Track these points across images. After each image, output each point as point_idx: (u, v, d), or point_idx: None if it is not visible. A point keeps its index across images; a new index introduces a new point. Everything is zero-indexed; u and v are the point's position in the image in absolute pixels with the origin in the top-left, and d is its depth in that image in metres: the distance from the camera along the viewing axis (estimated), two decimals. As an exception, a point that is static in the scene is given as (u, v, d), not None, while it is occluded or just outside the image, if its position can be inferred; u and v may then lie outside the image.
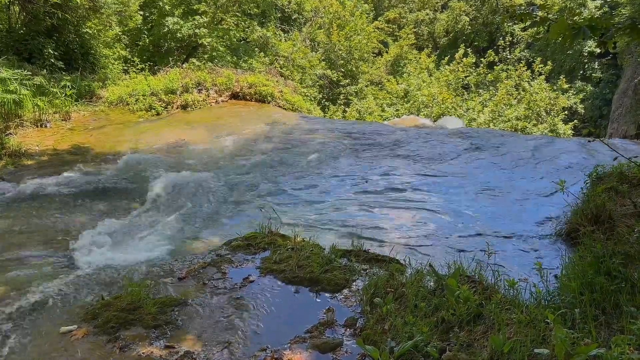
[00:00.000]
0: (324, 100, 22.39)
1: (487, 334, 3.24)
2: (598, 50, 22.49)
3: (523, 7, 26.80)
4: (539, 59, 22.41)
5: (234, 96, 15.32)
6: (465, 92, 22.03)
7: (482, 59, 22.46)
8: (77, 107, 12.74)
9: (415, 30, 29.23)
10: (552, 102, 20.02)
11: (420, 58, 25.45)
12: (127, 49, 18.35)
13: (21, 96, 10.81)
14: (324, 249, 5.18)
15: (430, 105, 20.07)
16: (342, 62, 23.51)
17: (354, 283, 4.52)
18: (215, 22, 19.58)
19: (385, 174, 8.97)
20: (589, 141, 9.38)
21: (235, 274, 4.83)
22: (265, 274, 4.77)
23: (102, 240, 6.03)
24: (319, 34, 24.20)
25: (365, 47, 24.45)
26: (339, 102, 22.59)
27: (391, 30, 30.13)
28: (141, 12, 18.57)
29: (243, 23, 20.77)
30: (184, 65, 16.72)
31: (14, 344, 3.81)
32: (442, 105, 19.77)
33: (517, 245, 5.74)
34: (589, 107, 23.20)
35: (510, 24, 28.15)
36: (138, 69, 16.88)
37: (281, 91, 16.03)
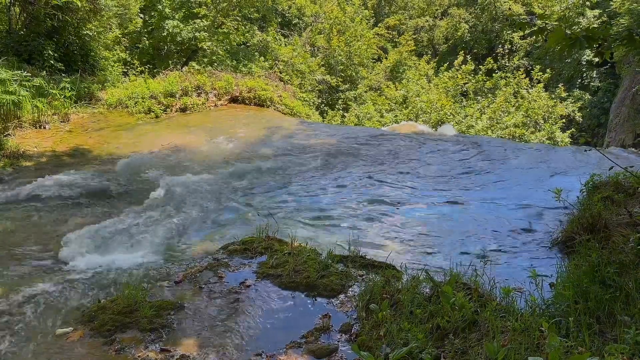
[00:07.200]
0: (322, 105, 22.42)
1: (482, 341, 3.25)
2: (597, 59, 22.59)
3: (522, 16, 26.96)
4: (537, 67, 22.49)
5: (233, 100, 15.37)
6: (464, 99, 22.09)
7: (480, 66, 22.53)
8: (76, 109, 12.74)
9: (414, 36, 29.36)
10: (550, 110, 20.09)
11: (419, 64, 25.53)
12: (127, 52, 18.40)
13: (20, 97, 10.82)
14: (321, 254, 5.18)
15: (429, 111, 20.12)
16: (341, 67, 23.57)
17: (350, 289, 4.53)
18: (215, 26, 19.65)
19: (383, 180, 8.99)
20: (586, 150, 9.40)
21: (232, 278, 4.84)
22: (262, 279, 4.77)
23: (98, 242, 6.03)
24: (319, 39, 24.26)
25: (364, 52, 24.52)
26: (337, 107, 22.62)
27: (391, 36, 30.26)
28: (141, 15, 18.62)
29: (243, 27, 20.83)
30: (183, 69, 16.76)
31: (9, 345, 3.81)
32: (440, 112, 19.83)
33: (513, 253, 5.75)
34: (586, 116, 23.25)
35: (509, 31, 28.28)
36: (137, 71, 16.92)
37: (280, 96, 16.07)
